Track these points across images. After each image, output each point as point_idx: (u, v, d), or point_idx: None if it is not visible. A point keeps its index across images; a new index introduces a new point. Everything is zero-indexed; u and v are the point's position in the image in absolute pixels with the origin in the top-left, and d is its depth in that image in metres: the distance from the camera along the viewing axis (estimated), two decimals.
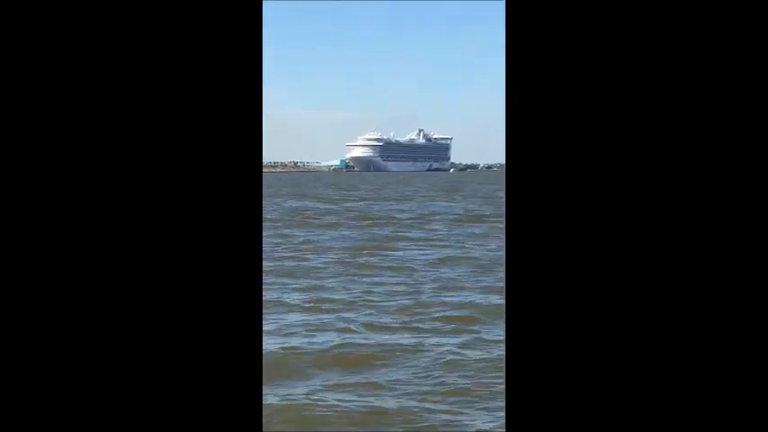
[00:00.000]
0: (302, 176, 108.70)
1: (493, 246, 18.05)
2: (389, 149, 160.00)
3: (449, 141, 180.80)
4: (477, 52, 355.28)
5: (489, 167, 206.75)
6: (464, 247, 17.96)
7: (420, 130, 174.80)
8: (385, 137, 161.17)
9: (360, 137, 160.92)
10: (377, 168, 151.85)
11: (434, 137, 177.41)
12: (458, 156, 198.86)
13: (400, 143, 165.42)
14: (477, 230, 22.31)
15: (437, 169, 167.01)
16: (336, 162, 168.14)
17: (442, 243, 19.01)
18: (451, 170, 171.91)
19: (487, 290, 11.93)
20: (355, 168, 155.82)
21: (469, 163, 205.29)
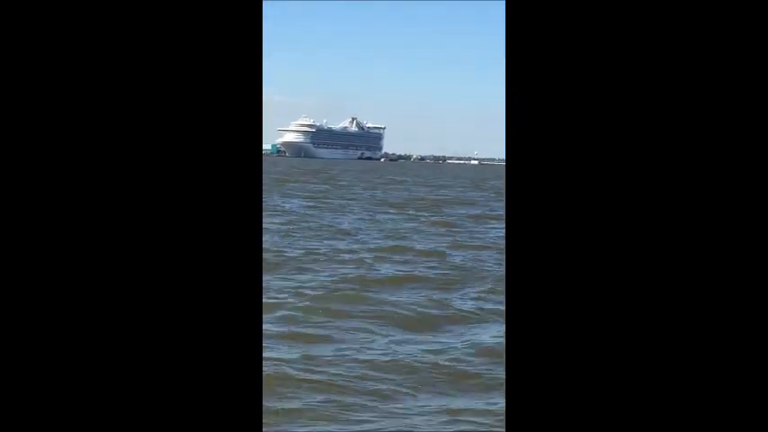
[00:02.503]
0: None
1: None
2: (322, 136, 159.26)
3: (382, 131, 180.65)
4: (418, 42, 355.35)
5: (422, 159, 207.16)
6: None
7: (353, 119, 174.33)
8: (318, 123, 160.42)
9: (292, 122, 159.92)
10: (308, 155, 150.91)
11: (368, 126, 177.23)
12: (390, 146, 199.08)
13: (333, 130, 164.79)
14: None
15: (368, 158, 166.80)
16: (268, 147, 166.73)
17: None
18: (382, 159, 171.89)
19: None
20: (286, 154, 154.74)
21: (402, 153, 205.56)
